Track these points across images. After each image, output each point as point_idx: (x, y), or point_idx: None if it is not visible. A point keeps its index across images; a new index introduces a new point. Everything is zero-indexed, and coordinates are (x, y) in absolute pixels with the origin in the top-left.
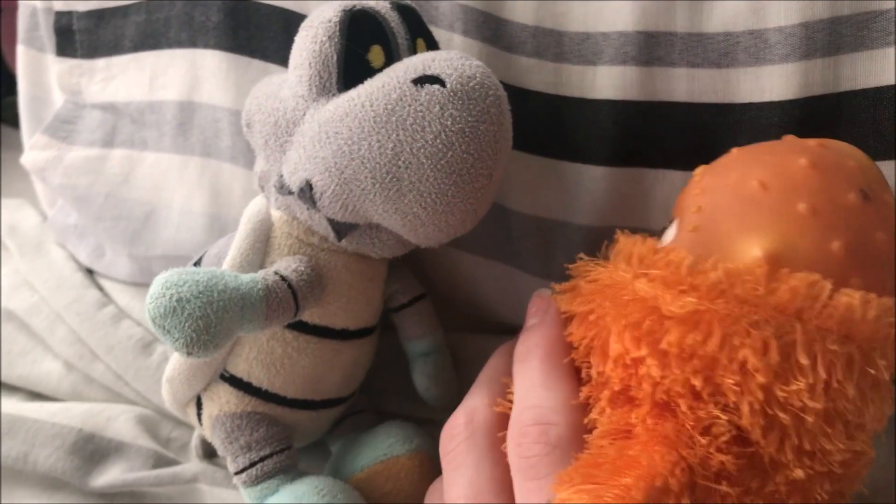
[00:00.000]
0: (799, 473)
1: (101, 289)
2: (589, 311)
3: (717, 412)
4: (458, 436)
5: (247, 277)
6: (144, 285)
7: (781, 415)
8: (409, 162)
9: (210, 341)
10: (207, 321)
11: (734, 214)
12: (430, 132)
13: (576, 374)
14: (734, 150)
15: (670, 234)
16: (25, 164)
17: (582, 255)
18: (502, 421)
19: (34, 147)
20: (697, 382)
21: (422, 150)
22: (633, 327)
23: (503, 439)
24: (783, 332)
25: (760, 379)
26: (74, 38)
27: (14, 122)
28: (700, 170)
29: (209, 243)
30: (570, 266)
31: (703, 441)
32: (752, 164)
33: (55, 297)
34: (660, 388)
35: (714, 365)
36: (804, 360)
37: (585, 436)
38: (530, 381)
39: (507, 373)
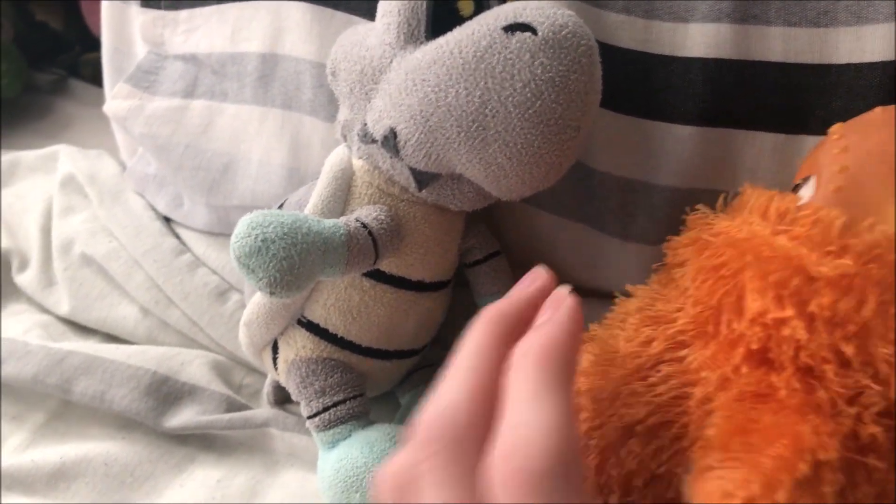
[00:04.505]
0: None
1: (178, 237)
2: (721, 265)
3: (867, 381)
4: (436, 442)
5: (329, 222)
6: (221, 235)
7: None
8: (497, 111)
9: (293, 282)
10: (291, 262)
11: (883, 178)
12: (520, 80)
13: (573, 381)
14: (878, 109)
15: (807, 192)
16: (108, 112)
17: (700, 206)
18: (486, 423)
19: (116, 96)
20: (849, 350)
21: (510, 99)
22: (778, 286)
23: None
24: None
25: None
26: None
27: (91, 79)
28: (838, 128)
29: (287, 195)
30: (689, 217)
31: (851, 411)
32: None
33: (133, 244)
34: (804, 351)
35: (867, 333)
36: None
37: (721, 394)
38: (519, 392)
39: (495, 356)
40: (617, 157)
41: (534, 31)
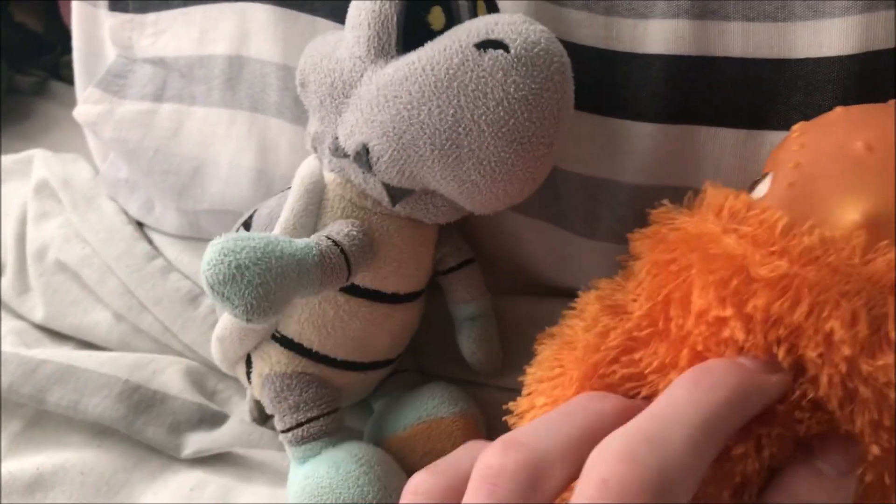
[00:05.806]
0: (875, 450)
1: (150, 242)
2: (671, 260)
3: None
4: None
5: (301, 243)
6: (193, 239)
7: (863, 388)
8: (470, 129)
9: (269, 308)
10: (267, 288)
11: (835, 174)
12: (493, 99)
13: None
14: (839, 109)
15: (763, 189)
16: (78, 117)
17: (666, 201)
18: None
19: (87, 101)
20: (780, 352)
21: (483, 117)
22: (719, 285)
23: None
24: (874, 305)
25: (846, 351)
26: None
27: (71, 80)
28: (799, 126)
29: (256, 198)
30: (653, 211)
31: (781, 409)
32: (859, 124)
33: (106, 250)
34: (742, 353)
35: (799, 334)
36: (894, 335)
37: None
38: None
39: None
40: (580, 155)
41: (506, 49)
